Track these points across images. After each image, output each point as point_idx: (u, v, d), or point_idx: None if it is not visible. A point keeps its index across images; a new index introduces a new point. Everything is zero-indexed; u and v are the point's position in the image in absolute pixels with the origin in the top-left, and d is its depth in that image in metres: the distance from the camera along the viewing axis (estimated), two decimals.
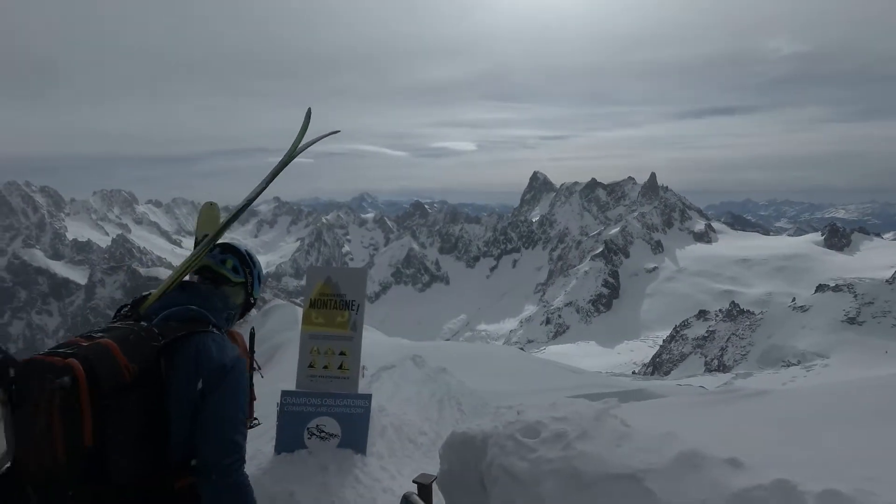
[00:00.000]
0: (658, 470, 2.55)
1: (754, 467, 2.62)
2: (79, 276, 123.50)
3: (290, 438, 5.40)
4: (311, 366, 5.86)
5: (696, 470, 2.57)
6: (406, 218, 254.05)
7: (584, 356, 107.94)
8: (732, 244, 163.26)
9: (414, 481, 2.85)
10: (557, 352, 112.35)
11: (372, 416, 6.20)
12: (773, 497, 2.43)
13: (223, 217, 2.35)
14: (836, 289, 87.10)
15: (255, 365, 2.41)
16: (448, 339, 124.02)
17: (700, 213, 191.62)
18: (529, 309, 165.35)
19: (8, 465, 1.52)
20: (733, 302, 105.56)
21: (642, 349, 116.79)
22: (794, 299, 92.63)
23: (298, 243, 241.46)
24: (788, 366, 68.85)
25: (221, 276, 2.04)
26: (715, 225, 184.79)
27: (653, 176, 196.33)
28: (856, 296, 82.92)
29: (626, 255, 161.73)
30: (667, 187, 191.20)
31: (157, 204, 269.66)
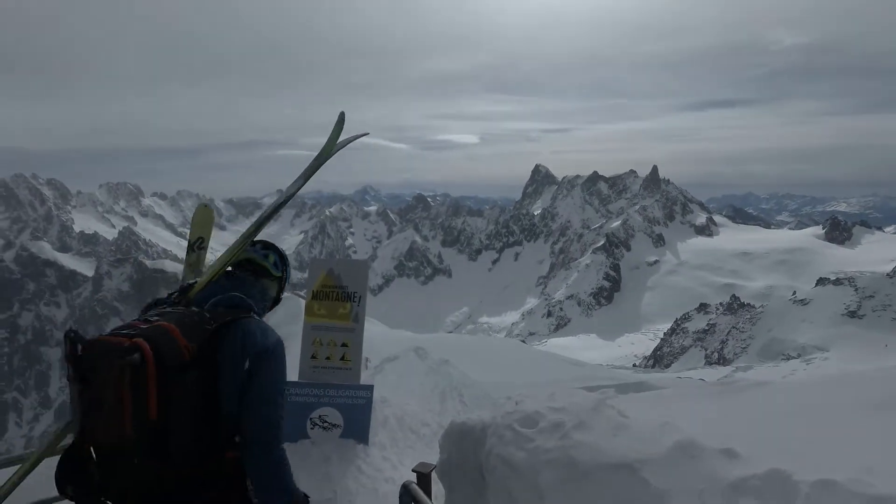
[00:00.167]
0: (654, 460, 2.58)
1: (750, 457, 2.66)
2: (86, 268, 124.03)
3: (292, 428, 5.45)
4: (313, 357, 5.91)
5: (692, 460, 2.60)
6: (409, 211, 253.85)
7: (586, 349, 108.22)
8: (734, 237, 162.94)
9: (413, 470, 2.90)
10: (559, 344, 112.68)
11: (374, 407, 6.26)
12: (768, 486, 2.47)
13: (256, 214, 2.49)
14: (837, 282, 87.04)
15: None
16: (450, 332, 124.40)
17: (701, 206, 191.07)
18: (531, 302, 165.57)
19: (74, 437, 1.65)
20: (734, 295, 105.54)
21: (643, 342, 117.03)
22: (794, 293, 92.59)
23: (302, 236, 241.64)
24: (788, 359, 68.98)
25: (263, 269, 2.16)
26: (716, 218, 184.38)
27: (654, 169, 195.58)
28: (856, 289, 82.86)
29: (628, 249, 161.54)
30: (668, 180, 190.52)
31: (163, 196, 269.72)
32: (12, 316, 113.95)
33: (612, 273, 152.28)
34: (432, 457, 4.44)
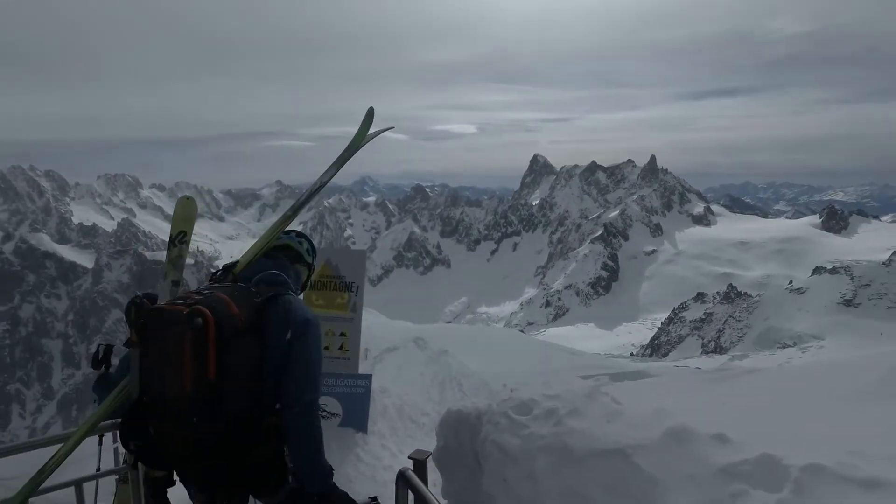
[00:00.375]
0: (647, 445, 2.63)
1: (741, 442, 2.70)
2: (85, 259, 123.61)
3: None
4: None
5: (684, 445, 2.65)
6: (407, 201, 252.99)
7: (584, 338, 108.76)
8: (731, 227, 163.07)
9: (409, 457, 2.94)
10: (557, 334, 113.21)
11: (374, 397, 6.32)
12: (758, 470, 2.52)
13: (286, 206, 2.72)
14: (833, 271, 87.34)
15: None
16: (449, 322, 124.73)
17: (699, 195, 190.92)
18: (530, 292, 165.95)
19: (136, 397, 1.86)
20: (731, 284, 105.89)
21: (641, 331, 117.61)
22: (791, 282, 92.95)
23: (300, 227, 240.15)
24: (784, 347, 69.38)
25: (298, 255, 2.38)
26: (714, 208, 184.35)
27: (652, 158, 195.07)
28: (852, 278, 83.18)
29: (626, 238, 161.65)
30: (666, 170, 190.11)
31: (161, 188, 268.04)
32: (13, 308, 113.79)
33: (610, 263, 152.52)
34: (431, 445, 4.50)
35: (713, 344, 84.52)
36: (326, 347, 6.01)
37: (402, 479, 2.19)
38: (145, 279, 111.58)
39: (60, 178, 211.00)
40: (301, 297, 2.37)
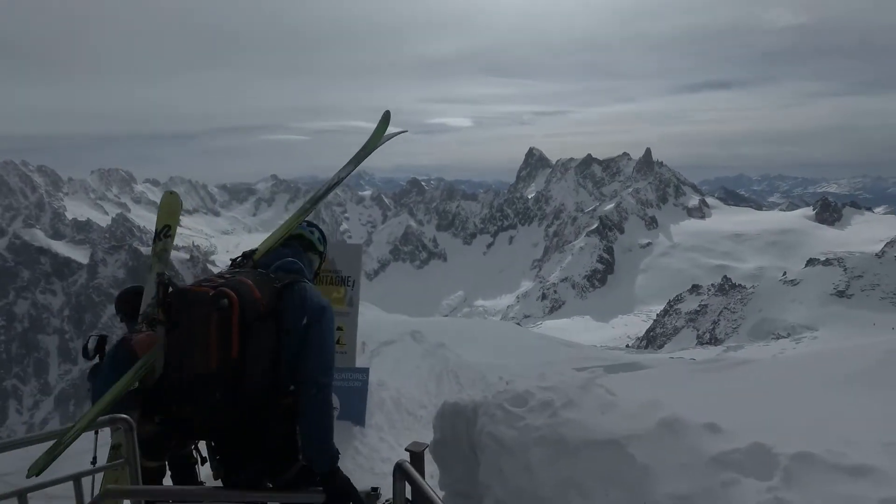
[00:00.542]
0: (640, 436, 2.67)
1: (733, 431, 2.75)
2: (80, 255, 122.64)
3: None
4: None
5: (677, 435, 2.69)
6: (403, 195, 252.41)
7: (580, 331, 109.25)
8: (726, 219, 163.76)
9: (406, 449, 2.97)
10: (553, 326, 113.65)
11: (371, 390, 6.35)
12: (749, 459, 2.57)
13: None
14: (827, 263, 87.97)
15: None
16: (446, 315, 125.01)
17: (694, 188, 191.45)
18: (526, 285, 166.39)
19: (160, 374, 1.95)
20: (726, 276, 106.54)
21: (636, 323, 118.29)
22: (784, 273, 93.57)
23: None
24: (778, 338, 69.99)
25: (310, 244, 2.51)
26: (709, 200, 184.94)
27: (648, 151, 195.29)
28: (845, 269, 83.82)
29: (621, 231, 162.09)
30: (661, 163, 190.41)
31: (155, 183, 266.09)
32: (8, 304, 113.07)
33: (605, 256, 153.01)
34: (429, 438, 4.53)
35: (708, 335, 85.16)
36: None
37: (399, 471, 2.21)
38: (141, 274, 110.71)
39: (53, 174, 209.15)
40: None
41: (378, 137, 2.98)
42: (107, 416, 2.65)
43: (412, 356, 11.82)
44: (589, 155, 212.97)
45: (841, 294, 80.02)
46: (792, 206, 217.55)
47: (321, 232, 2.60)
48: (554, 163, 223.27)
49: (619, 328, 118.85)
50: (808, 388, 5.57)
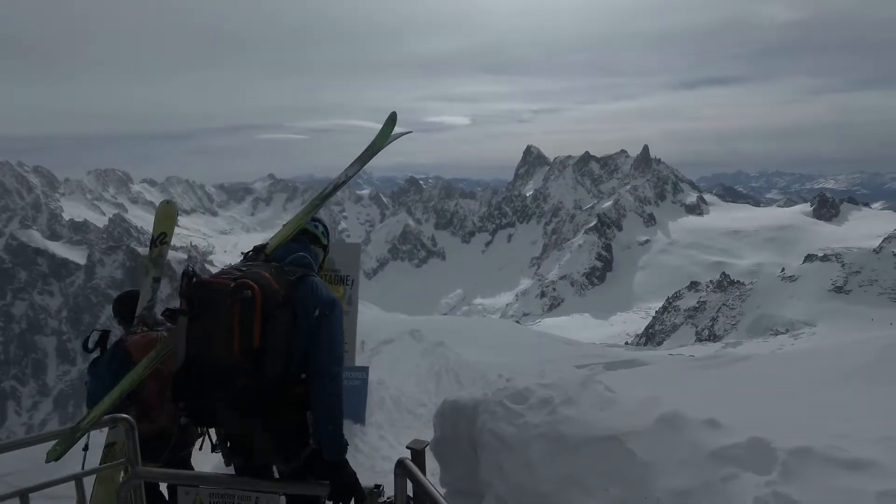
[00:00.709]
0: (639, 432, 2.68)
1: (732, 427, 2.76)
2: (77, 256, 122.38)
3: None
4: None
5: (676, 430, 2.70)
6: (401, 194, 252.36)
7: (579, 328, 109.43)
8: (724, 216, 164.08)
9: (407, 447, 2.97)
10: (552, 324, 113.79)
11: (371, 389, 6.36)
12: (748, 454, 2.58)
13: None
14: (825, 258, 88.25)
15: None
16: (445, 314, 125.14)
17: (692, 185, 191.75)
18: (524, 283, 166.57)
19: (182, 363, 2.07)
20: (724, 273, 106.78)
21: (635, 320, 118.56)
22: (783, 270, 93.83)
23: None
24: (777, 334, 70.20)
25: (315, 238, 2.61)
26: (707, 197, 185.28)
27: (645, 148, 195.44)
28: (843, 265, 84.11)
29: (619, 229, 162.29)
30: (659, 160, 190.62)
31: (152, 183, 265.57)
32: (6, 305, 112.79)
33: (604, 253, 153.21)
34: (429, 436, 4.55)
35: (707, 332, 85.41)
36: None
37: (400, 469, 2.22)
38: (138, 275, 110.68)
39: (49, 174, 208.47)
40: None
41: (385, 138, 3.05)
42: (108, 416, 2.66)
43: (411, 355, 11.82)
44: (587, 152, 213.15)
45: (839, 290, 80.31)
46: (790, 203, 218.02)
47: (325, 226, 2.70)
48: (552, 160, 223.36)
49: (617, 325, 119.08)
50: (806, 384, 5.59)
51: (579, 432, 2.73)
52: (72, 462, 3.32)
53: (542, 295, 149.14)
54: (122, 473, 3.02)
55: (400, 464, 2.26)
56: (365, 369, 6.13)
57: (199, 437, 3.48)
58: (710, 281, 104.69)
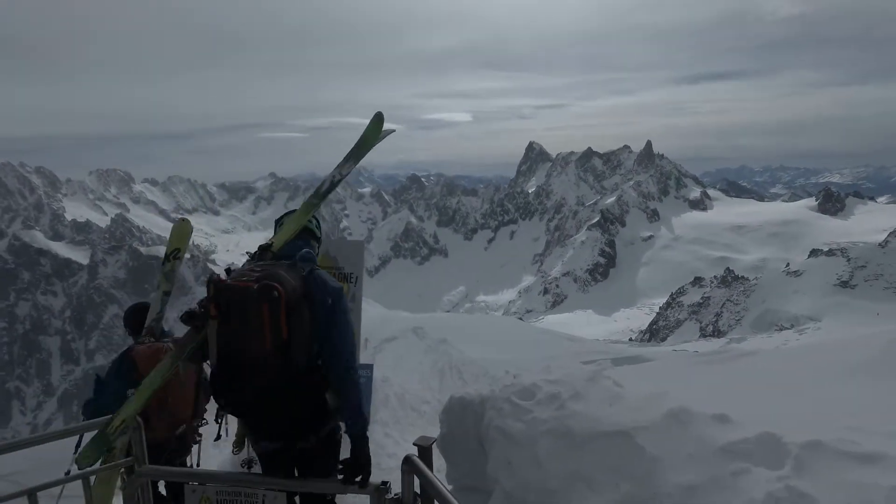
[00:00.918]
0: (648, 427, 2.66)
1: (741, 422, 2.74)
2: (80, 256, 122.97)
3: None
4: None
5: (685, 426, 2.68)
6: (403, 191, 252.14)
7: (582, 325, 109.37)
8: (727, 211, 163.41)
9: (414, 444, 2.97)
10: (556, 321, 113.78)
11: (375, 387, 6.35)
12: (759, 449, 2.55)
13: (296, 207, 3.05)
14: (830, 253, 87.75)
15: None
16: (448, 311, 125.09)
17: (696, 180, 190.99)
18: (527, 279, 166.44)
19: (215, 363, 2.25)
20: (728, 268, 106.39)
21: (639, 316, 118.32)
22: (787, 264, 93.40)
23: None
24: (782, 330, 69.99)
25: (311, 232, 2.80)
26: (710, 192, 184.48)
27: (648, 144, 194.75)
28: (849, 260, 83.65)
29: (623, 225, 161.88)
30: (662, 155, 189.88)
31: (154, 182, 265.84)
32: (9, 306, 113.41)
33: (607, 249, 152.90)
34: (433, 433, 4.54)
35: (711, 327, 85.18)
36: None
37: (407, 465, 2.21)
38: (141, 274, 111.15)
39: (51, 175, 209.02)
40: None
41: (375, 137, 3.16)
42: (113, 415, 2.67)
43: (414, 352, 11.83)
44: (589, 148, 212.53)
45: (844, 284, 79.92)
46: (794, 197, 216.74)
47: (317, 220, 2.91)
48: (554, 157, 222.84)
49: (621, 322, 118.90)
50: (812, 379, 5.55)
51: (587, 428, 2.71)
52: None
53: (545, 292, 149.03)
54: (119, 475, 3.09)
55: (407, 460, 2.25)
56: (370, 367, 6.11)
57: (197, 445, 3.57)
58: (714, 276, 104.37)
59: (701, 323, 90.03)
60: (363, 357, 6.77)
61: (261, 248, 2.61)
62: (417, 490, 2.27)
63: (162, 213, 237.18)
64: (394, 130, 3.38)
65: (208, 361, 2.38)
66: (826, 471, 2.31)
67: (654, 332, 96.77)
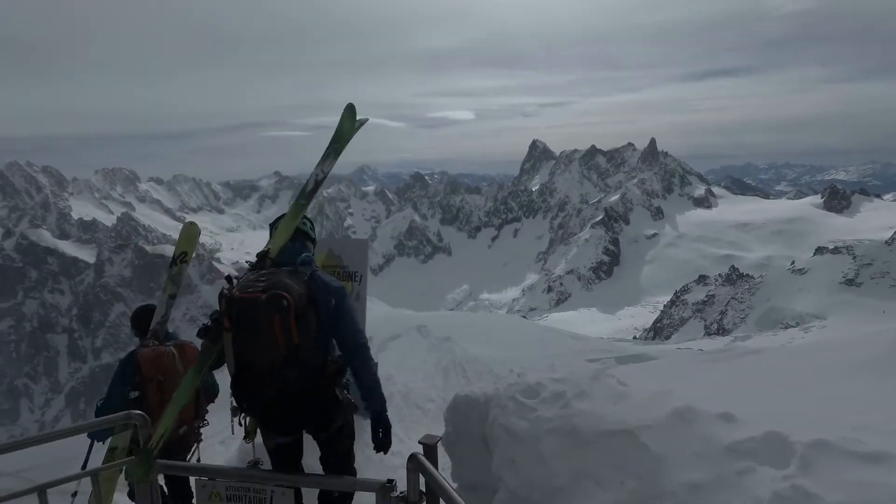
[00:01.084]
0: (653, 426, 2.66)
1: (746, 420, 2.73)
2: (87, 254, 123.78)
3: None
4: None
5: (690, 424, 2.68)
6: (406, 190, 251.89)
7: (586, 323, 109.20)
8: (732, 209, 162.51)
9: (419, 442, 2.98)
10: (559, 319, 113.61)
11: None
12: (764, 448, 2.55)
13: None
14: (835, 251, 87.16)
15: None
16: (451, 310, 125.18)
17: (700, 177, 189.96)
18: (531, 277, 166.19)
19: (233, 371, 2.44)
20: (733, 266, 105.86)
21: (643, 315, 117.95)
22: (793, 262, 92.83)
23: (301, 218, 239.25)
24: (787, 328, 69.63)
25: (305, 234, 2.90)
26: (715, 190, 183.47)
27: (652, 141, 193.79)
28: (854, 257, 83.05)
29: (627, 222, 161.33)
30: (666, 153, 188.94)
31: (159, 181, 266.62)
32: (17, 304, 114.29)
33: (611, 247, 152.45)
34: (437, 431, 4.54)
35: (715, 326, 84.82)
36: None
37: (413, 463, 2.22)
38: (147, 273, 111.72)
39: (58, 174, 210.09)
40: None
41: (351, 129, 3.21)
42: (121, 413, 2.71)
43: (418, 350, 11.83)
44: (593, 146, 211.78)
45: (850, 282, 79.39)
46: (800, 195, 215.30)
47: (310, 221, 3.02)
48: (558, 154, 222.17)
49: (625, 320, 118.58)
50: (817, 377, 5.53)
51: (592, 426, 2.72)
52: (93, 462, 3.38)
53: (549, 290, 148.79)
54: (121, 475, 3.19)
55: (413, 458, 2.27)
56: (374, 365, 6.13)
57: (197, 443, 3.65)
58: (719, 274, 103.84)
59: (705, 321, 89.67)
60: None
61: (259, 255, 2.74)
62: (423, 488, 2.28)
63: (167, 211, 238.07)
64: (367, 120, 3.37)
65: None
66: (832, 470, 2.30)
67: (659, 331, 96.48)
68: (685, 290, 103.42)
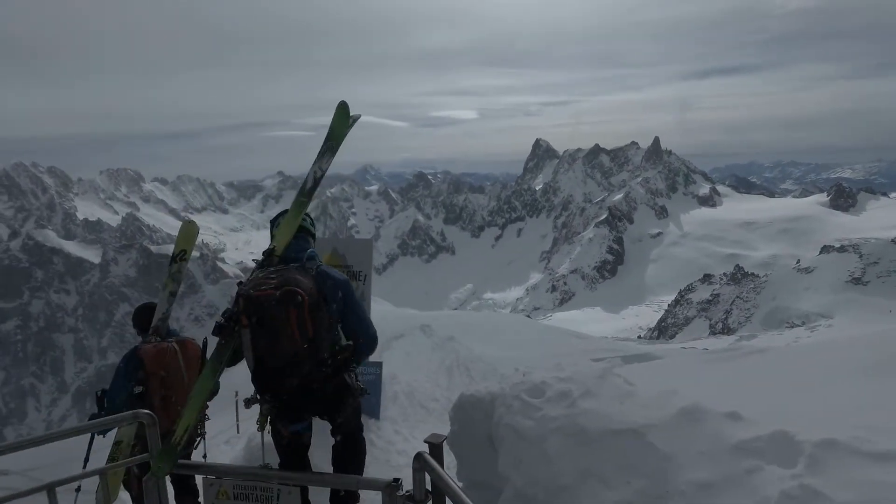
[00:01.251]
0: (660, 425, 2.65)
1: (754, 419, 2.72)
2: (92, 255, 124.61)
3: None
4: None
5: (697, 423, 2.66)
6: (410, 189, 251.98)
7: (590, 322, 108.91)
8: (737, 207, 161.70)
9: (425, 441, 2.98)
10: (563, 318, 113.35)
11: (384, 384, 6.38)
12: (772, 446, 2.53)
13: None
14: (842, 249, 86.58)
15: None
16: (455, 309, 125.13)
17: (704, 176, 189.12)
18: (535, 277, 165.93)
19: (253, 366, 2.55)
20: (738, 265, 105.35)
21: (647, 314, 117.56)
22: (798, 261, 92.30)
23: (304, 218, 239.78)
24: (792, 327, 69.24)
25: (307, 230, 3.03)
26: (719, 188, 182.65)
27: (656, 140, 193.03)
28: (861, 256, 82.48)
29: (631, 221, 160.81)
30: (670, 151, 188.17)
31: (164, 182, 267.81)
32: (23, 304, 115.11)
33: (615, 246, 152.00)
34: (442, 430, 4.54)
35: (721, 325, 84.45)
36: None
37: (419, 462, 2.22)
38: (151, 272, 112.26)
39: (63, 174, 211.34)
40: None
41: (343, 128, 3.28)
42: (128, 413, 2.73)
43: (422, 350, 11.85)
44: (597, 145, 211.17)
45: (856, 281, 78.84)
46: (805, 193, 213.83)
47: (310, 217, 3.12)
48: (561, 153, 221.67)
49: (629, 319, 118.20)
50: (823, 377, 5.50)
51: (598, 425, 2.71)
52: (95, 457, 3.40)
53: (553, 289, 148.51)
54: (123, 472, 3.23)
55: (418, 457, 2.26)
56: (379, 364, 6.14)
57: (199, 439, 3.68)
58: (724, 273, 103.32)
59: (710, 320, 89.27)
60: (372, 355, 6.79)
61: (266, 253, 2.85)
62: (429, 487, 2.28)
63: (172, 211, 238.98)
64: (359, 116, 3.43)
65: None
66: (840, 469, 2.29)
67: (663, 330, 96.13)
68: (690, 289, 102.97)
